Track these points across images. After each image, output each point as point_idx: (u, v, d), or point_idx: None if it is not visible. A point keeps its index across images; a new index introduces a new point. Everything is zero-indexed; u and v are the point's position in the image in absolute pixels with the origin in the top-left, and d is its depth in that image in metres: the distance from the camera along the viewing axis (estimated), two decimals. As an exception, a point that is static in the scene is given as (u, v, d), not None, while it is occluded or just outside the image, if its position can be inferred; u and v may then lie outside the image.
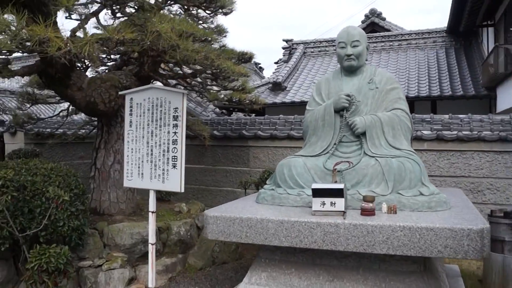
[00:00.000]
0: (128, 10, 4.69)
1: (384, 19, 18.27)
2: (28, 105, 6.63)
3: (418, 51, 14.36)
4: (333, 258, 3.80)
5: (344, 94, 4.41)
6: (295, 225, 3.51)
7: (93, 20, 4.51)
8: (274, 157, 7.39)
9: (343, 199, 3.65)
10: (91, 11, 4.53)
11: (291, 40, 15.45)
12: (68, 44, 2.76)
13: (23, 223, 3.91)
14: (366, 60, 4.76)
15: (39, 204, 3.98)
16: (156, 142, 3.97)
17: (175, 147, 3.89)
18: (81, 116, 8.94)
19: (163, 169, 3.94)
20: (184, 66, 8.14)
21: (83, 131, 8.21)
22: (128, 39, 3.06)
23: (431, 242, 3.20)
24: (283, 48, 15.30)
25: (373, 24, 18.24)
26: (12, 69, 4.62)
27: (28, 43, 2.71)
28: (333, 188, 3.70)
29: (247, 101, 6.39)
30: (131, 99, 4.11)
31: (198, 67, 6.28)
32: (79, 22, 4.25)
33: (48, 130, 7.78)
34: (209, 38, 4.35)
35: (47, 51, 2.72)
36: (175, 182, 3.90)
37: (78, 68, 5.66)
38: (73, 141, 7.82)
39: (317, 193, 3.70)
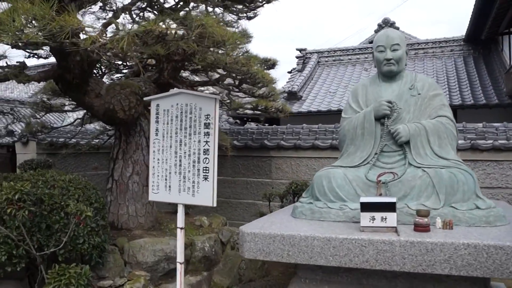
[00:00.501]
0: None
1: (397, 28, 17.92)
2: (42, 114, 6.35)
3: (435, 60, 14.03)
4: (382, 278, 3.45)
5: (385, 101, 4.11)
6: (344, 243, 3.18)
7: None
8: (298, 168, 7.04)
9: (395, 214, 3.32)
10: (126, 2, 4.21)
11: (304, 49, 15.17)
12: (103, 37, 2.45)
13: (41, 240, 3.58)
14: (406, 65, 4.47)
15: (57, 220, 3.65)
16: (185, 152, 3.64)
17: (206, 158, 3.55)
18: (95, 125, 8.67)
19: (193, 182, 3.61)
20: (201, 73, 7.85)
21: (97, 140, 7.92)
22: (172, 32, 2.74)
23: (501, 262, 2.85)
24: (297, 57, 15.01)
25: (387, 34, 17.94)
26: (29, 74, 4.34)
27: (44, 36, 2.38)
28: (384, 201, 3.37)
29: (273, 109, 6.07)
30: (157, 105, 3.80)
31: (222, 72, 6.00)
32: (110, 16, 3.96)
33: (61, 139, 7.48)
34: (238, 42, 4.05)
35: (78, 44, 2.42)
36: (206, 195, 3.56)
37: (95, 75, 5.37)
38: (87, 151, 7.52)
39: (366, 207, 3.37)
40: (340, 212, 3.78)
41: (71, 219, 3.66)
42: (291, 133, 7.29)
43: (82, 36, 2.86)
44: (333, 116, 11.59)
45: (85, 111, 7.23)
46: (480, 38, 13.15)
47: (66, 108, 6.50)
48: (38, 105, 6.12)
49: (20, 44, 2.31)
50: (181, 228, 3.74)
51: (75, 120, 6.97)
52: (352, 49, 15.33)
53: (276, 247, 3.34)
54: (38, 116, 6.37)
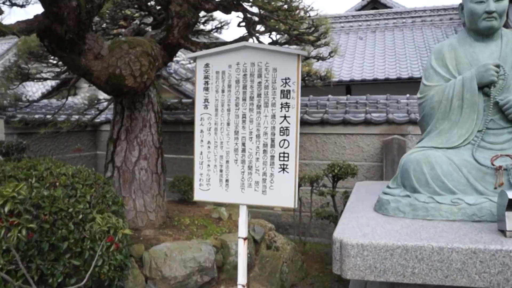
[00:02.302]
0: None
1: (387, -5, 17.03)
2: (17, 83, 4.95)
3: (434, 28, 13.27)
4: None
5: (493, 64, 3.14)
6: (497, 256, 2.26)
7: None
8: (324, 147, 6.03)
9: (559, 216, 2.39)
10: None
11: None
12: None
13: (43, 267, 2.41)
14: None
15: (65, 235, 2.48)
16: (251, 132, 2.54)
17: (285, 140, 2.47)
18: (74, 99, 7.29)
19: (264, 173, 2.52)
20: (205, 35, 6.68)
21: (77, 117, 6.56)
22: None
23: None
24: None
25: (374, 2, 17.03)
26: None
27: None
28: (543, 198, 2.43)
29: (313, 76, 4.97)
30: (207, 65, 2.64)
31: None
32: None
33: (37, 116, 6.08)
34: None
35: None
36: (284, 193, 2.49)
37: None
38: (71, 130, 6.16)
39: (515, 204, 2.42)
40: (454, 209, 2.83)
41: (84, 231, 2.50)
42: (315, 106, 6.24)
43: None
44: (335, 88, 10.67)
45: (67, 79, 5.90)
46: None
47: (45, 75, 5.12)
48: (11, 72, 4.70)
49: None
50: (245, 239, 2.66)
51: (55, 93, 5.58)
52: (345, 16, 14.33)
53: (395, 263, 2.36)
54: (11, 87, 4.95)
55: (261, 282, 4.14)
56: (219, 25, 6.39)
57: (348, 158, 5.95)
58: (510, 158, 2.98)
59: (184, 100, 6.55)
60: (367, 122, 5.81)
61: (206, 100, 2.65)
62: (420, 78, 10.21)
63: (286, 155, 2.49)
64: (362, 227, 2.67)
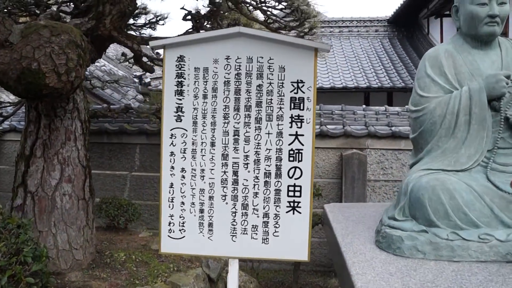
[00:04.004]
0: None
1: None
2: None
3: (361, 39, 13.47)
4: None
5: (504, 75, 2.75)
6: None
7: None
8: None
9: None
10: None
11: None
12: None
13: None
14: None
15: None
16: (247, 156, 1.80)
17: (296, 168, 1.77)
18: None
19: (266, 215, 1.79)
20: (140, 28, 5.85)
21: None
22: None
23: None
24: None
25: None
26: None
27: None
28: None
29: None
30: (181, 58, 1.85)
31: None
32: None
33: None
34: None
35: None
36: (295, 241, 1.78)
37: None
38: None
39: None
40: (485, 247, 2.33)
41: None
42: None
43: None
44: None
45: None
46: (404, 21, 13.00)
47: None
48: None
49: None
50: (235, 307, 1.89)
51: None
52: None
53: None
54: None
55: (221, 333, 3.36)
56: (154, 19, 5.52)
57: (301, 174, 5.39)
58: (535, 184, 2.57)
59: (113, 107, 5.55)
60: (323, 135, 5.30)
61: (179, 108, 1.85)
62: (355, 88, 9.90)
63: (297, 188, 1.78)
64: (386, 278, 2.05)
